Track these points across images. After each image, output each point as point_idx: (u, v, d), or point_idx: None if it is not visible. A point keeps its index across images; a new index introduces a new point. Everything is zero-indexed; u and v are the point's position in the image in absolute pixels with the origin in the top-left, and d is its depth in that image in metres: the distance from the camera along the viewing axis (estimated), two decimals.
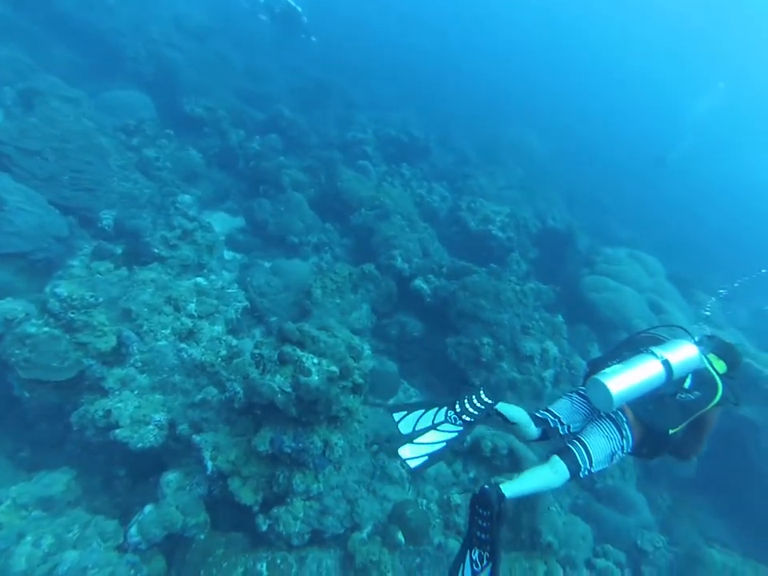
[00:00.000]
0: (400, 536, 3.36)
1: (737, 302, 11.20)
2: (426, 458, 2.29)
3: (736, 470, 6.70)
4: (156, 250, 5.42)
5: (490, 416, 2.44)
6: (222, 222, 8.30)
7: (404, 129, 12.02)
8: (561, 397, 2.73)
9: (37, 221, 5.25)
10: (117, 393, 3.38)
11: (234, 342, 4.13)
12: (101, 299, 3.48)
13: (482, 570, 2.10)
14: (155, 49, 10.53)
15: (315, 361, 3.21)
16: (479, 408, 2.39)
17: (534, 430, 2.55)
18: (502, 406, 2.48)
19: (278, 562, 3.14)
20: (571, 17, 39.13)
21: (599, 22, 40.27)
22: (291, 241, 7.73)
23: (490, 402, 2.42)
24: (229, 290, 5.72)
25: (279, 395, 3.13)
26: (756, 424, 6.77)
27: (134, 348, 3.54)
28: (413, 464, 2.28)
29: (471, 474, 3.89)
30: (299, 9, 11.68)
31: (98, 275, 3.97)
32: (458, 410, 2.39)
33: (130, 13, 11.25)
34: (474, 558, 2.15)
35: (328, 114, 13.93)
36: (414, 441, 2.35)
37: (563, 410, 2.60)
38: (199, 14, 12.93)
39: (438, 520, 3.60)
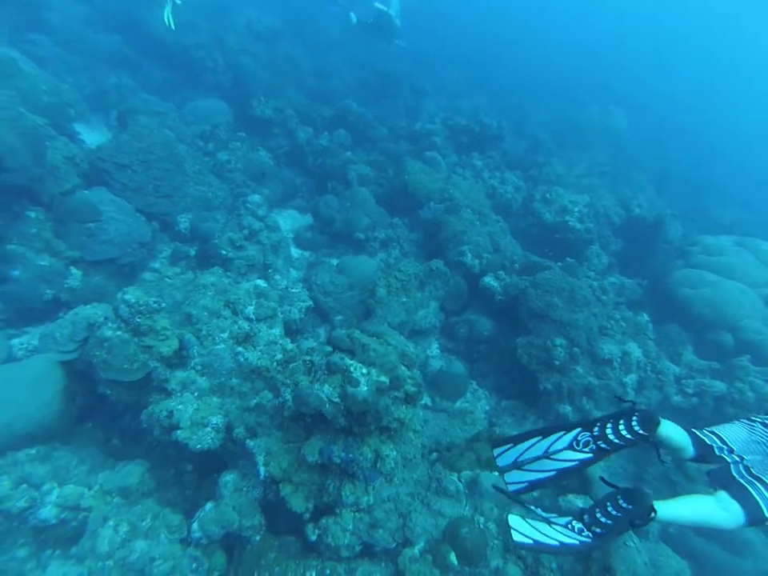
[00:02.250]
0: (452, 557, 3.17)
1: None
2: (526, 484, 2.09)
3: None
4: (223, 252, 5.67)
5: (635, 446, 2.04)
6: (291, 220, 8.53)
7: (474, 117, 11.50)
8: (733, 422, 2.21)
9: (125, 228, 5.70)
10: (178, 394, 3.55)
11: (290, 345, 4.16)
12: (164, 304, 3.68)
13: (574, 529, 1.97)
14: (231, 57, 11.07)
15: (364, 371, 3.11)
16: (627, 438, 1.99)
17: (690, 452, 2.11)
18: (661, 436, 2.04)
19: (328, 572, 3.12)
20: None
21: None
22: (357, 237, 7.71)
23: (643, 433, 1.98)
24: (293, 290, 5.83)
25: (327, 405, 3.08)
26: None
27: (194, 351, 3.70)
28: (512, 488, 2.12)
29: (535, 493, 3.59)
30: (391, 12, 11.41)
31: (167, 279, 4.20)
32: (596, 433, 2.04)
33: (210, 26, 11.96)
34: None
35: (398, 105, 13.78)
36: (521, 467, 2.14)
37: (737, 439, 2.10)
38: (269, 19, 13.34)
39: (496, 541, 3.36)
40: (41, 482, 3.51)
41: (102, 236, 5.33)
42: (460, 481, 3.62)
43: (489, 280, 6.62)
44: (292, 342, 5.25)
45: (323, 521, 3.21)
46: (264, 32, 12.85)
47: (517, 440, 2.20)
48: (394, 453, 3.34)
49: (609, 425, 2.03)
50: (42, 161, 5.25)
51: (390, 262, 7.44)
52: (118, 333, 3.44)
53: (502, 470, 2.18)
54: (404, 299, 6.07)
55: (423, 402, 5.92)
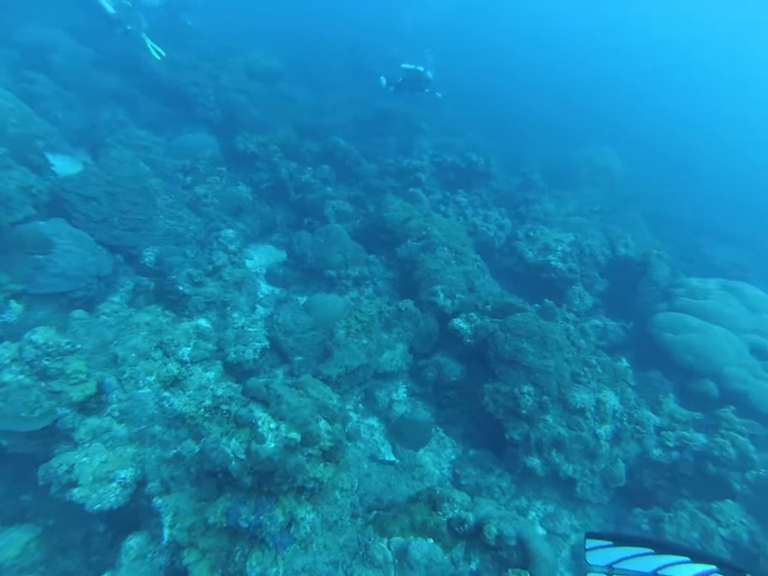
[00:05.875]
0: None
1: None
2: None
3: None
4: (181, 288, 5.50)
5: None
6: (267, 255, 8.40)
7: (462, 154, 11.51)
8: None
9: (80, 261, 5.57)
10: (86, 445, 3.28)
11: (221, 391, 3.90)
12: (79, 345, 3.46)
13: None
14: (223, 94, 11.32)
15: (273, 425, 2.84)
16: None
17: None
18: None
19: None
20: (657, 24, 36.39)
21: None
22: (329, 274, 7.52)
23: None
24: (250, 329, 5.62)
25: (233, 462, 2.80)
26: None
27: (113, 396, 3.46)
28: None
29: (473, 566, 3.21)
30: (420, 68, 11.53)
31: (103, 316, 4.01)
32: None
33: (211, 66, 12.36)
34: None
35: (390, 142, 13.89)
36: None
37: None
38: (267, 59, 13.73)
39: None
40: None
41: (51, 268, 5.20)
42: (389, 548, 3.25)
43: (458, 322, 6.36)
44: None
45: None
46: (261, 72, 13.19)
47: (621, 540, 1.83)
48: (312, 515, 3.02)
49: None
50: None
51: (362, 301, 7.22)
52: (20, 377, 3.22)
53: (590, 569, 1.82)
54: (365, 341, 5.81)
55: (383, 451, 5.58)
